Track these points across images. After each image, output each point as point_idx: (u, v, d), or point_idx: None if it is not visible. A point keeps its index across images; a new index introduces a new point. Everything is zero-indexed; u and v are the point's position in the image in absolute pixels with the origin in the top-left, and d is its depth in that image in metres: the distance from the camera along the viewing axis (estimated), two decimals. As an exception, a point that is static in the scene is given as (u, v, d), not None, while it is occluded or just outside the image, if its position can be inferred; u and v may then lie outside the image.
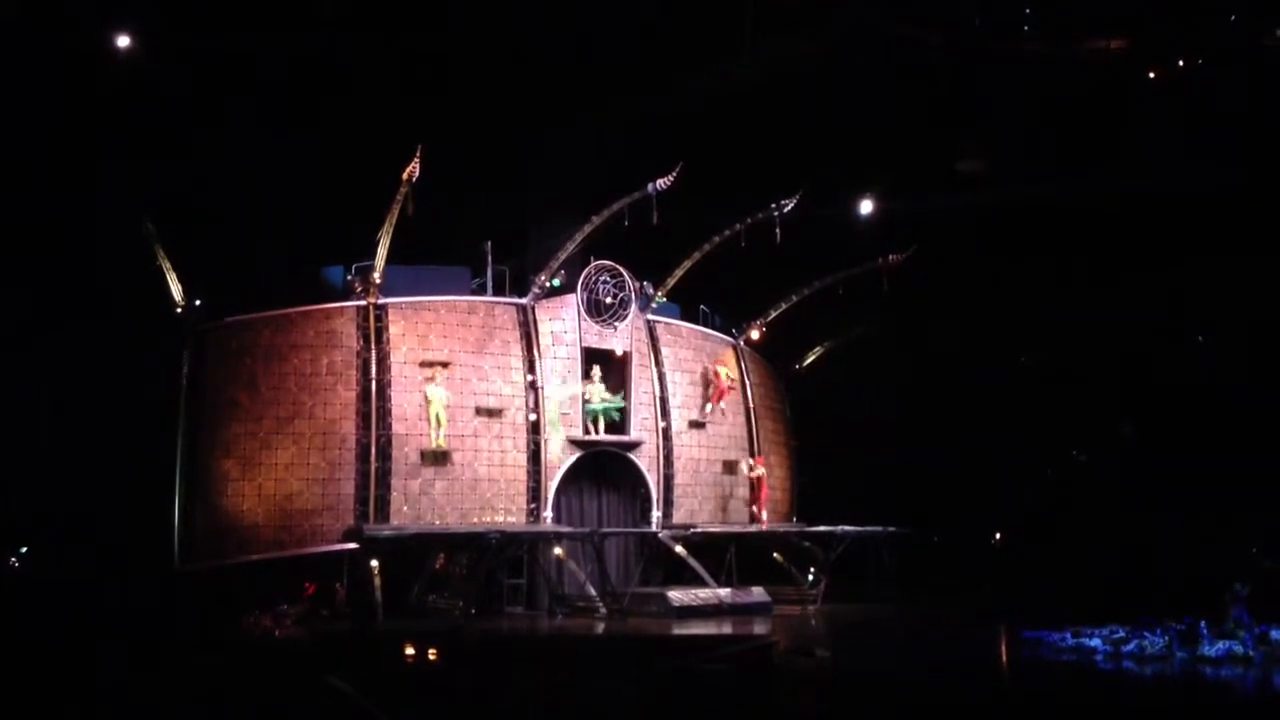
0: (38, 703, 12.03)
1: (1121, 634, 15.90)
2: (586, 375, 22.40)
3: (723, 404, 24.31)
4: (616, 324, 22.75)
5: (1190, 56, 22.94)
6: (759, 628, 19.61)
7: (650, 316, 23.83)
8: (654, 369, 23.59)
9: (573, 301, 22.50)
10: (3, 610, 18.84)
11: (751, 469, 24.50)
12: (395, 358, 20.86)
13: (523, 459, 21.65)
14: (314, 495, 20.09)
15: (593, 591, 21.47)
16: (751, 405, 25.24)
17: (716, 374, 24.22)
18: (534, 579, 22.03)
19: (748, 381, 25.35)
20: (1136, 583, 16.53)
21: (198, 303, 20.42)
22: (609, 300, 22.70)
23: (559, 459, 21.97)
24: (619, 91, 23.62)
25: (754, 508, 24.50)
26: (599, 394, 22.45)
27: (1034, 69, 22.84)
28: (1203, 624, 15.66)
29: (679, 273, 23.75)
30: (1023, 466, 25.55)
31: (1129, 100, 23.18)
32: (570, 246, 22.06)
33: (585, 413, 22.26)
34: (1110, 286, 24.46)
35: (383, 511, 20.27)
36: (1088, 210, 24.25)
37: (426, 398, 20.69)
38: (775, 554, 24.24)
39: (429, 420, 20.67)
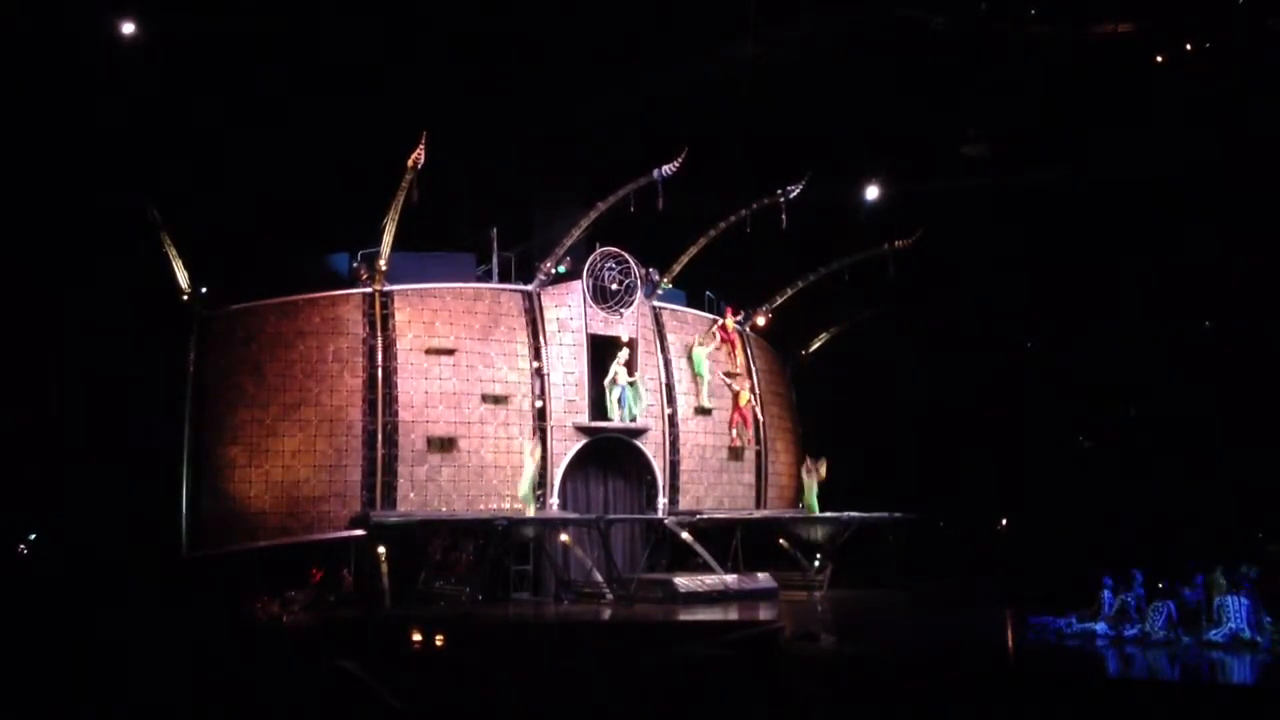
0: (44, 690, 12.07)
1: (1128, 598, 15.89)
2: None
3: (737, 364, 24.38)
4: (622, 310, 22.73)
5: (1198, 40, 22.79)
6: (765, 613, 19.60)
7: (656, 303, 23.80)
8: (659, 355, 23.57)
9: (578, 288, 22.47)
10: (11, 597, 18.92)
11: (733, 379, 24.37)
12: (401, 344, 20.88)
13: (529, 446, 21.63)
14: (321, 482, 20.15)
15: (599, 577, 21.50)
16: (757, 391, 25.22)
17: (723, 326, 24.41)
18: (540, 565, 22.08)
19: (753, 368, 25.33)
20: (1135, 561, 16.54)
21: (203, 290, 20.46)
22: (615, 286, 22.65)
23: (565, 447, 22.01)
24: (624, 77, 23.57)
25: (737, 432, 24.25)
26: (624, 377, 22.42)
27: (1040, 52, 22.75)
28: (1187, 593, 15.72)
29: (684, 259, 23.78)
30: (1028, 452, 25.49)
31: (1136, 83, 23.07)
32: (576, 233, 22.07)
33: (621, 399, 22.27)
34: (1115, 270, 24.38)
35: (389, 498, 20.31)
36: (1093, 194, 24.17)
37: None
38: (781, 540, 24.27)
39: None
